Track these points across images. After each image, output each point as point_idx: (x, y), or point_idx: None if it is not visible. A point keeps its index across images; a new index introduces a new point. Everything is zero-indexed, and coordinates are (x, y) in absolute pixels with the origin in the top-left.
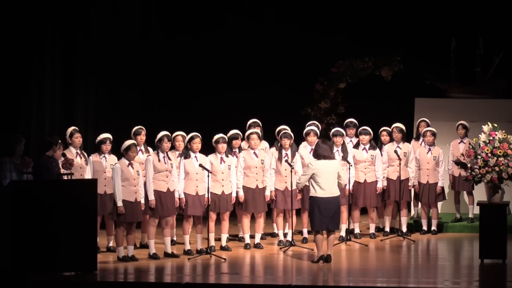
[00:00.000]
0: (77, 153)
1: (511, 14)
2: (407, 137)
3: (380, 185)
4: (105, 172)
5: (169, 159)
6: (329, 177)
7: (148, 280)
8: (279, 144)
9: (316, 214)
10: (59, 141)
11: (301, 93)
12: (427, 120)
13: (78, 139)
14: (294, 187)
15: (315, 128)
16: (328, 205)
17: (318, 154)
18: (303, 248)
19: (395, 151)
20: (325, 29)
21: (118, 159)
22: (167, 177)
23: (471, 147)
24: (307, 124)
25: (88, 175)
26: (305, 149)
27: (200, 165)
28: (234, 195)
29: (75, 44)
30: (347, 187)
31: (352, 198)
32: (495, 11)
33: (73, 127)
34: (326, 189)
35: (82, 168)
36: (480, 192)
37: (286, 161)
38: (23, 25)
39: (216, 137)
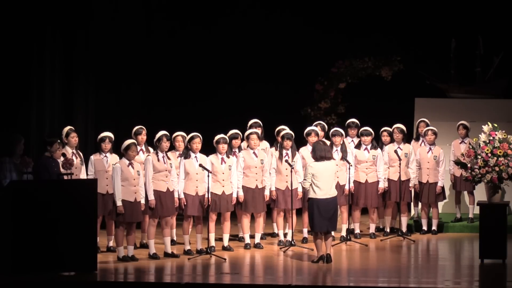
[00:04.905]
0: (73, 152)
1: (511, 14)
2: (407, 137)
3: (382, 185)
4: (107, 172)
5: (169, 158)
6: (328, 178)
7: (148, 280)
8: (279, 144)
9: (316, 216)
10: (59, 141)
11: (301, 93)
12: (427, 120)
13: (74, 138)
14: (294, 186)
15: (316, 128)
16: (328, 206)
17: (316, 156)
18: (303, 248)
19: (395, 152)
20: (325, 29)
21: (120, 158)
22: (166, 177)
23: (471, 147)
24: (314, 124)
25: (83, 175)
26: (306, 149)
27: (200, 165)
28: (234, 195)
29: (75, 44)
30: (346, 186)
31: (353, 198)
32: (495, 11)
33: (69, 127)
34: (325, 190)
35: (77, 168)
36: (480, 192)
37: (286, 161)
38: (23, 24)
39: (217, 137)
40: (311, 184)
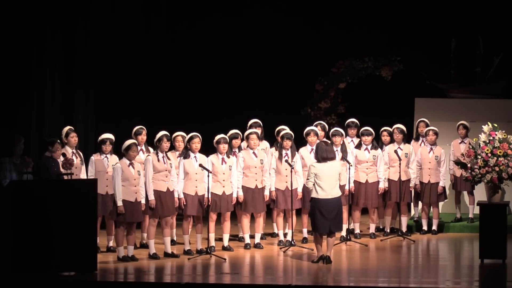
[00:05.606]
0: (72, 152)
1: (511, 14)
2: (407, 137)
3: (382, 185)
4: (107, 173)
5: (168, 159)
6: (330, 178)
7: (148, 280)
8: (278, 144)
9: (317, 216)
10: (58, 141)
11: (301, 93)
12: (426, 120)
13: (74, 138)
14: (294, 186)
15: (315, 128)
16: (330, 207)
17: (318, 158)
18: (303, 248)
19: (396, 152)
20: (325, 29)
21: (120, 159)
22: (166, 177)
23: (471, 147)
24: (314, 124)
25: (83, 175)
26: (306, 149)
27: (200, 165)
28: (234, 195)
29: (75, 44)
30: (346, 187)
31: (353, 198)
32: (495, 11)
33: (68, 127)
34: (328, 190)
35: (77, 168)
36: (480, 192)
37: (286, 161)
38: (23, 23)
39: (217, 137)
40: (314, 184)
